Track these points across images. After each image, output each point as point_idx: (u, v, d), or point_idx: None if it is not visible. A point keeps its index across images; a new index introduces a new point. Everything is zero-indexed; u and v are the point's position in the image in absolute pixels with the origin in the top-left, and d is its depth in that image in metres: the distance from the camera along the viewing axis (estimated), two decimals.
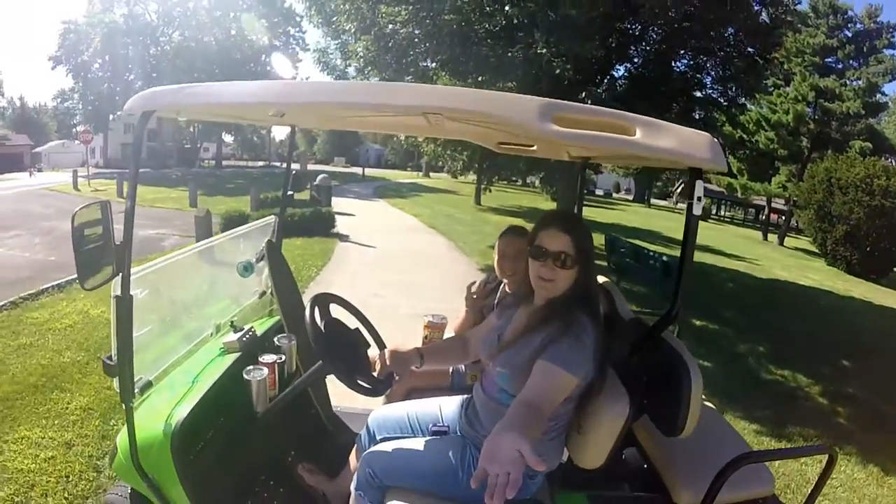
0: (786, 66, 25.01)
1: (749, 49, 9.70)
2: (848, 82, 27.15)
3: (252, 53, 44.15)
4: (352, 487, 1.97)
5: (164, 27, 42.15)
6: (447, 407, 2.16)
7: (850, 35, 27.92)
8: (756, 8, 9.49)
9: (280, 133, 68.30)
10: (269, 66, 45.06)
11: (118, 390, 1.77)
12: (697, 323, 8.07)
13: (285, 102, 1.56)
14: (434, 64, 9.44)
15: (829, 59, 28.17)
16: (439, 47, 8.42)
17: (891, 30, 27.47)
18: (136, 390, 1.84)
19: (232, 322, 2.65)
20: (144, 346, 1.95)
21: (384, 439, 2.10)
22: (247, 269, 2.68)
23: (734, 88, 10.50)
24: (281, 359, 2.34)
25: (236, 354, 2.35)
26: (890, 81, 27.64)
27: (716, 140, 1.46)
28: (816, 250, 23.39)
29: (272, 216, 3.02)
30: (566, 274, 1.71)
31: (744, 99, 11.49)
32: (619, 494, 2.15)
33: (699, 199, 1.52)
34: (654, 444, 2.22)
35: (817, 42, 27.34)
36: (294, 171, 2.99)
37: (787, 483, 3.85)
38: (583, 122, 1.34)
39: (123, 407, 1.78)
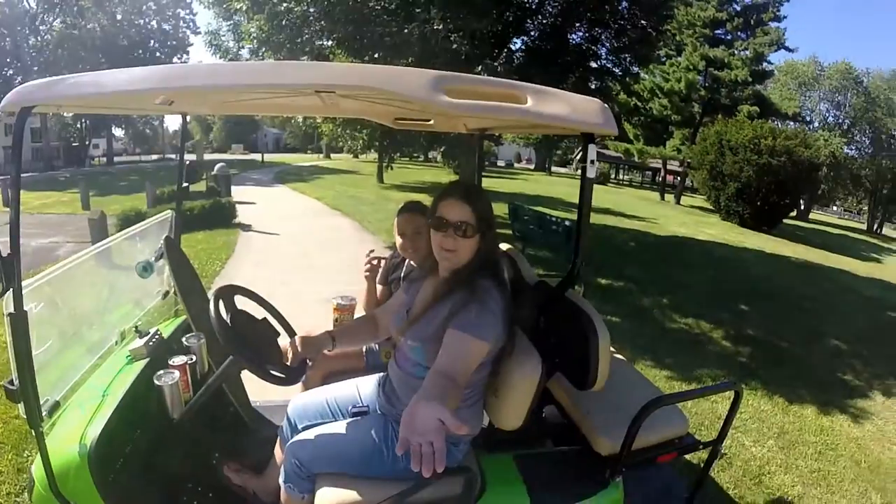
0: (678, 38, 26.42)
1: (642, 21, 10.01)
2: (736, 52, 29.19)
3: (140, 39, 41.43)
4: (280, 481, 1.94)
5: (43, 14, 38.36)
6: (364, 387, 2.16)
7: (738, 9, 29.94)
8: None
9: (174, 123, 64.93)
10: (159, 52, 42.52)
11: (24, 416, 1.65)
12: (603, 282, 8.38)
13: (173, 87, 1.46)
14: (330, 42, 9.23)
15: (719, 31, 30.16)
16: (334, 25, 8.21)
17: (777, 4, 29.74)
18: (45, 413, 1.73)
19: (136, 327, 2.52)
20: (47, 365, 1.82)
21: (306, 427, 2.07)
22: (146, 269, 2.54)
23: (628, 59, 10.88)
24: (191, 359, 2.24)
25: (145, 360, 2.24)
26: (776, 51, 30.10)
27: (606, 105, 1.50)
28: (711, 207, 24.94)
29: (168, 211, 2.88)
30: (468, 243, 1.73)
31: (638, 69, 11.94)
32: (542, 451, 2.22)
33: (592, 162, 1.57)
34: (570, 400, 2.30)
35: (707, 15, 29.09)
36: (189, 162, 2.80)
37: (700, 421, 4.10)
38: (474, 93, 1.35)
39: (33, 433, 1.66)
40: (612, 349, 1.93)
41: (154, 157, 52.96)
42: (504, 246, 2.67)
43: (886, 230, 47.70)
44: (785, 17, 30.07)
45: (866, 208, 48.78)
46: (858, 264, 16.91)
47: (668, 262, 11.10)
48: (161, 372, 2.08)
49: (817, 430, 4.45)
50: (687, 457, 3.34)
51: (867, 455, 4.18)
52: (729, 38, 30.18)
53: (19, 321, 1.53)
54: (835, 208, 61.04)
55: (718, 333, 6.63)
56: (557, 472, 2.06)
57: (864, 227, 45.18)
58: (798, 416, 4.62)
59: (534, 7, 10.13)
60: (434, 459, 1.10)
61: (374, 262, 2.83)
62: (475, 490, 1.81)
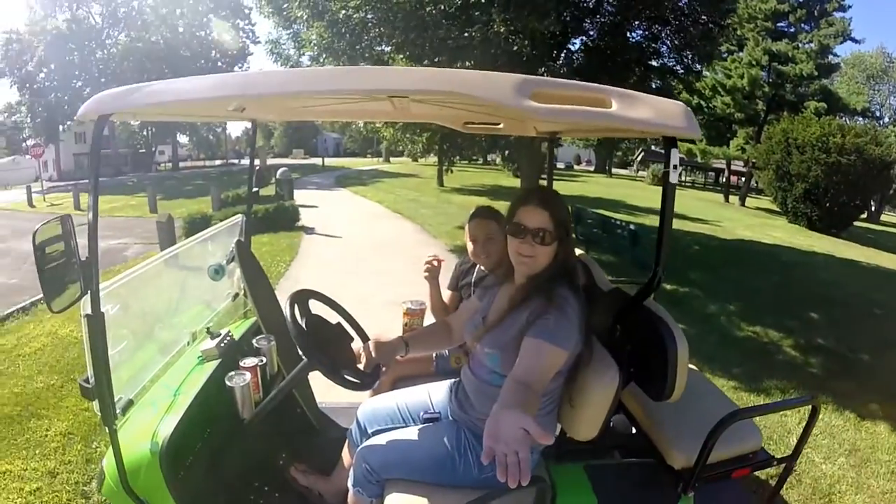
0: (739, 32, 25.53)
1: (703, 17, 9.78)
2: (800, 45, 27.94)
3: (201, 50, 43.04)
4: (349, 484, 1.95)
5: (108, 29, 40.54)
6: (436, 393, 2.15)
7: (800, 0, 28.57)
8: None
9: (236, 130, 66.94)
10: (220, 62, 44.03)
11: (98, 413, 1.70)
12: (667, 287, 8.18)
13: (248, 94, 1.49)
14: (389, 48, 9.32)
15: (781, 24, 28.94)
16: (394, 31, 8.29)
17: None
18: (118, 411, 1.78)
19: (208, 328, 2.58)
20: (121, 364, 1.88)
21: (376, 432, 2.08)
22: (218, 271, 2.61)
23: (690, 56, 10.62)
24: (262, 361, 2.28)
25: (216, 361, 2.29)
26: (841, 43, 28.70)
27: (689, 109, 1.46)
28: (777, 209, 23.99)
29: (239, 215, 2.95)
30: (546, 250, 1.71)
31: (699, 66, 11.63)
32: (614, 462, 2.17)
33: (675, 167, 1.53)
34: (642, 410, 2.25)
35: (769, 7, 27.97)
36: (257, 167, 2.90)
37: (769, 435, 3.96)
38: (560, 97, 1.32)
39: (107, 430, 1.72)
40: None
41: (218, 162, 54.96)
42: (577, 252, 2.63)
43: None
44: (850, 6, 28.67)
45: None
46: None
47: (733, 267, 10.79)
48: (233, 373, 2.13)
49: (891, 448, 4.20)
50: (757, 473, 3.24)
51: None
52: (792, 30, 28.99)
53: (96, 322, 1.58)
54: None
55: (787, 342, 6.40)
56: (629, 485, 2.03)
57: None
58: (870, 433, 4.39)
59: (591, 6, 9.99)
60: (520, 470, 1.08)
61: (435, 263, 2.83)
62: (547, 500, 1.79)
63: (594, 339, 1.81)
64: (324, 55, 9.45)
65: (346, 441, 2.27)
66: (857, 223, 23.72)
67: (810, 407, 2.14)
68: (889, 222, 38.73)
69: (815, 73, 27.22)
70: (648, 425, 2.20)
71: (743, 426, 2.12)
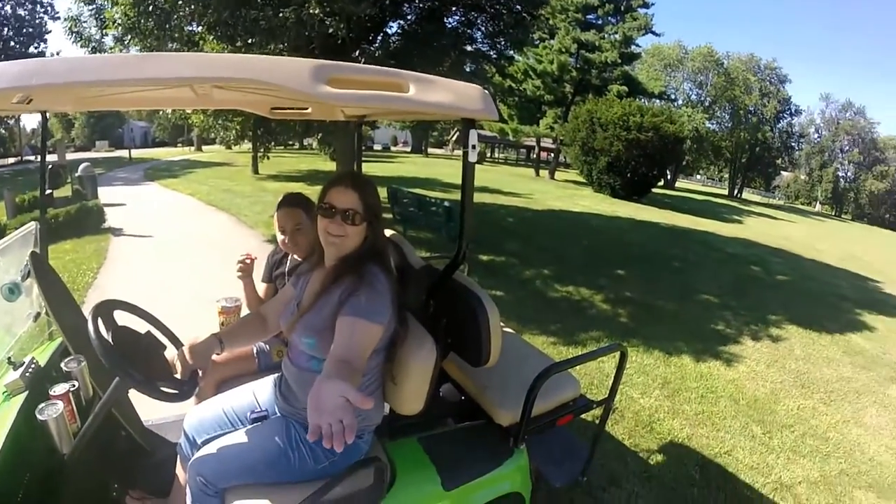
0: (551, 22, 27.42)
1: (517, 6, 10.22)
2: (606, 36, 30.72)
3: None
4: (188, 502, 1.84)
5: None
6: (261, 391, 2.10)
7: None
8: None
9: (32, 121, 58.65)
10: (13, 41, 38.13)
11: None
12: (484, 258, 8.59)
13: (35, 85, 1.30)
14: (200, 28, 8.70)
15: (591, 16, 31.70)
16: (205, 10, 7.73)
17: None
18: None
19: (9, 358, 2.24)
20: None
21: (205, 441, 1.98)
22: (12, 290, 2.27)
23: (503, 42, 11.10)
24: (74, 385, 2.05)
25: (23, 394, 2.01)
26: (644, 35, 31.89)
27: (487, 92, 1.56)
28: (584, 181, 26.38)
29: (32, 222, 2.61)
30: (355, 230, 1.74)
31: (512, 52, 12.21)
32: (446, 430, 2.25)
33: (474, 147, 1.62)
34: (466, 377, 2.38)
35: (580, 1, 30.56)
36: (50, 165, 2.52)
37: (590, 381, 4.39)
38: (357, 82, 1.35)
39: None
40: (501, 323, 2.01)
41: (11, 160, 47.59)
42: (388, 232, 2.69)
43: (746, 194, 53.37)
44: (653, 3, 31.97)
45: (727, 176, 54.01)
46: (722, 226, 18.60)
47: (546, 235, 11.54)
48: (43, 405, 1.89)
49: (697, 376, 4.90)
50: (583, 416, 3.58)
51: (744, 393, 4.69)
52: (600, 22, 31.77)
53: None
54: (699, 177, 66.77)
55: (598, 298, 7.03)
56: (463, 448, 2.11)
57: (725, 192, 50.13)
58: (678, 367, 5.06)
59: None
60: (344, 434, 1.10)
61: (247, 262, 2.73)
62: (386, 479, 1.82)
63: (409, 315, 1.86)
64: (129, 35, 8.59)
65: (178, 456, 2.14)
66: (655, 190, 26.86)
67: (619, 353, 2.41)
68: (683, 188, 44.31)
69: (619, 61, 30.17)
70: (474, 390, 2.33)
71: (561, 378, 2.34)
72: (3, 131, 51.65)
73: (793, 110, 52.16)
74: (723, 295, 7.94)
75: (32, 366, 2.14)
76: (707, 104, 48.30)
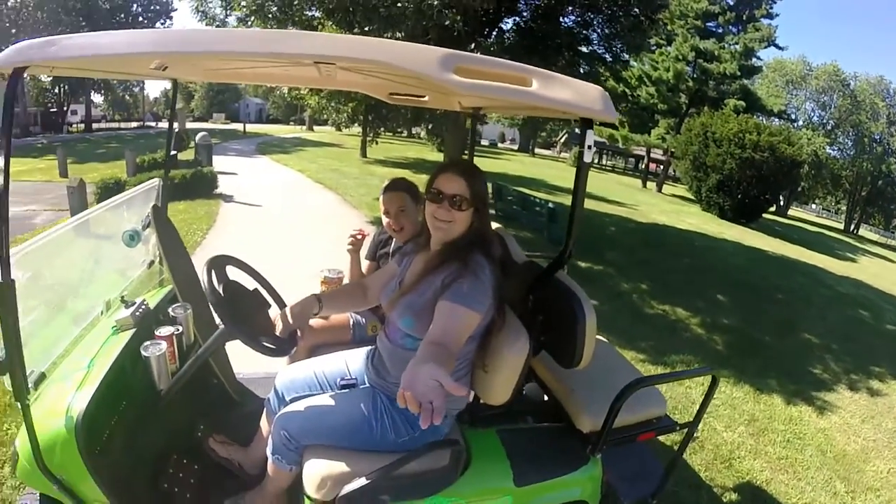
0: (669, 27, 26.41)
1: (635, 9, 9.97)
2: (726, 46, 29.11)
3: (122, 2, 40.21)
4: (268, 452, 1.95)
5: None
6: (353, 360, 2.17)
7: (731, 3, 29.91)
8: None
9: (154, 90, 63.09)
10: (141, 17, 41.36)
11: (10, 388, 1.60)
12: (583, 265, 8.46)
13: (175, 51, 1.38)
14: (320, 13, 9.05)
15: (711, 24, 30.10)
16: None
17: (770, 1, 29.73)
18: (31, 385, 1.70)
19: (122, 297, 2.48)
20: (32, 336, 1.78)
21: (293, 400, 2.08)
22: (133, 237, 2.50)
23: (619, 45, 10.82)
24: (178, 330, 2.23)
25: (131, 331, 2.19)
26: (765, 48, 29.99)
27: (607, 93, 1.53)
28: (692, 197, 25.18)
29: (155, 179, 2.84)
30: (462, 216, 1.76)
31: (628, 56, 11.89)
32: (526, 426, 2.26)
33: (590, 147, 1.59)
34: (553, 378, 2.36)
35: (700, 7, 29.13)
36: (176, 130, 2.76)
37: (674, 404, 4.22)
38: (483, 73, 1.36)
39: (19, 406, 1.62)
40: None
41: (134, 124, 51.75)
42: (494, 225, 2.69)
43: (863, 231, 48.94)
44: (777, 14, 30.36)
45: (844, 208, 49.79)
46: (833, 262, 17.22)
47: (647, 249, 11.22)
48: (148, 343, 2.07)
49: (786, 419, 4.59)
50: (662, 438, 3.46)
51: (833, 445, 4.33)
52: (720, 31, 30.16)
53: (7, 291, 1.48)
54: (814, 206, 62.16)
55: (694, 321, 6.75)
56: (540, 448, 2.11)
57: (841, 226, 46.22)
58: (768, 405, 4.76)
59: None
60: (433, 415, 1.13)
61: (359, 237, 2.86)
62: (461, 463, 1.85)
63: (507, 307, 1.87)
64: (252, 17, 9.07)
65: (265, 410, 2.26)
66: (765, 215, 25.26)
67: (710, 378, 2.30)
68: (796, 217, 41.55)
69: (738, 73, 28.53)
70: (559, 392, 2.31)
71: (649, 394, 2.29)
72: (128, 98, 55.96)
73: None
74: (826, 335, 7.36)
75: (142, 307, 2.32)
76: (829, 128, 44.55)
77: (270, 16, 8.77)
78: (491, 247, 1.85)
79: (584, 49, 10.75)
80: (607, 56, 11.12)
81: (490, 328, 1.79)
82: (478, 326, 1.71)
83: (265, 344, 1.88)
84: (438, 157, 22.92)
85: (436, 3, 7.20)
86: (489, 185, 10.15)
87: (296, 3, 8.61)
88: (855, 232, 45.82)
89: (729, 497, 3.36)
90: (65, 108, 43.64)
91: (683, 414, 4.11)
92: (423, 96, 2.59)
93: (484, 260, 1.75)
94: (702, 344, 6.02)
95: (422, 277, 1.80)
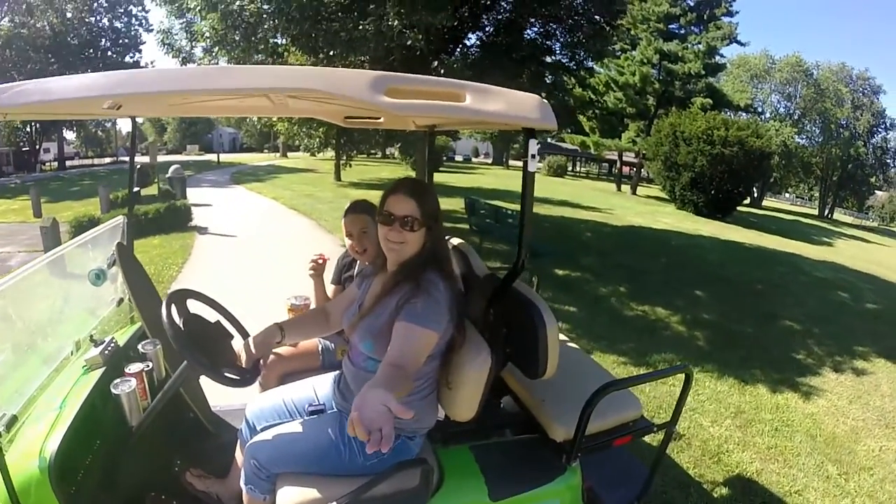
0: (632, 32, 26.89)
1: (596, 17, 10.13)
2: (690, 46, 29.73)
3: (91, 38, 39.96)
4: (241, 483, 1.95)
5: None
6: (321, 385, 2.18)
7: (691, 4, 30.61)
8: None
9: (126, 125, 61.88)
10: (111, 52, 41.14)
11: None
12: (560, 272, 8.49)
13: (118, 93, 1.44)
14: (284, 40, 9.13)
15: (673, 26, 30.78)
16: (289, 23, 8.09)
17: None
18: (2, 428, 1.71)
19: (91, 336, 2.46)
20: (2, 378, 1.81)
21: (264, 429, 2.08)
22: (99, 276, 2.49)
23: (582, 53, 10.98)
24: (148, 366, 2.22)
25: (101, 370, 2.18)
26: (728, 45, 30.73)
27: (545, 101, 1.56)
28: (666, 197, 25.55)
29: (120, 217, 2.83)
30: (414, 237, 1.77)
31: (592, 63, 12.08)
32: (498, 440, 2.26)
33: (533, 156, 1.63)
34: (524, 389, 2.36)
35: (661, 10, 29.78)
36: (139, 166, 2.74)
37: (658, 405, 4.24)
38: (415, 92, 1.39)
39: None
40: (565, 337, 1.99)
41: (107, 160, 51.33)
42: (455, 241, 2.72)
43: (837, 215, 49.86)
44: (737, 12, 30.92)
45: (817, 195, 50.65)
46: (810, 248, 17.52)
47: (624, 252, 11.29)
48: (118, 380, 2.06)
49: (773, 407, 4.63)
50: (647, 440, 3.47)
51: (822, 430, 4.37)
52: (682, 32, 30.82)
53: None
54: (787, 195, 63.24)
55: (674, 319, 6.80)
56: (514, 461, 2.10)
57: (815, 212, 47.08)
58: (753, 396, 4.80)
59: (488, 2, 10.16)
60: (381, 443, 1.14)
61: (320, 261, 2.87)
62: (432, 482, 1.84)
63: (467, 323, 1.88)
64: (217, 48, 9.10)
65: (238, 441, 2.25)
66: (740, 208, 25.63)
67: (683, 375, 2.33)
68: (770, 207, 42.14)
69: (703, 72, 29.19)
70: (531, 403, 2.31)
71: (622, 397, 2.29)
72: (101, 134, 55.66)
73: (888, 124, 48.09)
74: (806, 321, 7.47)
75: (112, 345, 2.31)
76: (796, 117, 45.48)
77: (234, 45, 8.79)
78: (446, 263, 1.86)
79: (548, 59, 10.88)
80: (571, 65, 11.26)
81: (451, 345, 1.80)
82: (437, 345, 1.73)
83: (227, 375, 1.89)
84: (412, 174, 23.10)
85: (395, 24, 7.28)
86: (462, 201, 10.21)
87: (259, 32, 8.66)
88: (829, 216, 46.84)
89: (720, 492, 3.37)
90: (37, 147, 43.09)
91: (668, 412, 4.08)
92: (379, 118, 2.62)
93: (437, 277, 1.77)
94: (683, 341, 6.06)
95: (378, 300, 1.82)
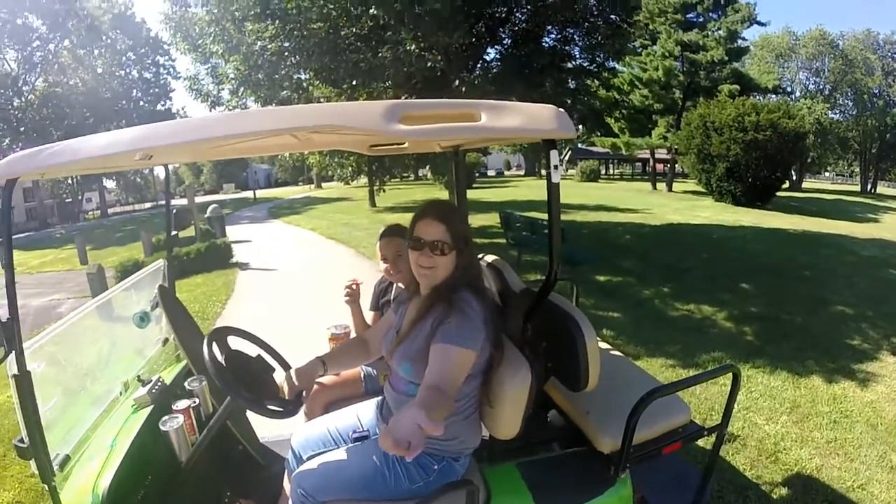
0: (651, 27, 26.62)
1: (612, 16, 10.06)
2: (710, 33, 29.25)
3: (123, 90, 41.80)
4: None
5: (25, 75, 38.23)
6: (364, 412, 2.20)
7: None
8: None
9: (163, 169, 64.84)
10: (142, 101, 42.84)
11: (36, 472, 1.70)
12: (601, 279, 8.37)
13: (142, 147, 1.52)
14: (307, 75, 9.33)
15: (691, 15, 30.32)
16: (310, 58, 8.30)
17: None
18: (56, 467, 1.77)
19: (139, 376, 2.55)
20: (55, 421, 1.88)
21: (310, 457, 2.10)
22: (143, 318, 2.59)
23: (602, 55, 10.88)
24: (195, 402, 2.28)
25: (149, 408, 2.26)
26: (748, 27, 30.22)
27: (561, 110, 1.55)
28: (703, 190, 24.93)
29: (160, 260, 2.93)
30: (444, 260, 1.78)
31: (613, 63, 11.94)
32: (545, 456, 2.23)
33: (556, 167, 1.61)
34: (570, 402, 2.32)
35: (677, 1, 29.38)
36: (175, 209, 2.86)
37: (710, 406, 4.12)
38: (429, 117, 1.41)
39: (47, 488, 1.71)
40: (608, 345, 1.95)
41: (148, 205, 53.26)
42: (489, 258, 2.71)
43: (881, 188, 47.77)
44: None
45: (858, 170, 48.83)
46: (855, 226, 16.97)
47: (665, 251, 11.10)
48: (166, 417, 2.12)
49: (829, 399, 4.44)
50: (700, 443, 3.34)
51: (882, 417, 4.18)
52: (701, 20, 30.34)
53: (24, 382, 1.59)
54: (827, 174, 61.15)
55: (721, 315, 6.63)
56: (562, 475, 2.07)
57: (857, 188, 45.29)
58: (809, 388, 4.62)
59: (503, 16, 10.18)
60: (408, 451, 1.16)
61: (353, 287, 2.89)
62: (478, 502, 1.83)
63: (505, 339, 1.87)
64: (242, 88, 9.36)
65: (285, 471, 2.28)
66: (780, 194, 24.84)
67: (731, 375, 2.26)
68: (811, 188, 40.86)
69: (726, 58, 28.70)
70: (576, 415, 2.27)
71: (669, 402, 2.22)
72: (140, 180, 57.70)
73: None
74: (858, 304, 7.18)
75: (159, 384, 2.40)
76: (827, 93, 44.09)
77: (259, 84, 9.02)
78: (478, 282, 1.86)
79: (568, 65, 10.83)
80: (592, 67, 11.17)
81: (490, 363, 1.80)
82: (475, 363, 1.73)
83: (270, 407, 1.91)
84: (445, 194, 23.20)
85: (413, 48, 7.36)
86: (497, 216, 10.13)
87: (282, 69, 8.87)
88: (873, 191, 44.86)
89: (779, 493, 3.24)
90: (80, 197, 45.07)
91: (720, 414, 3.98)
92: (403, 143, 2.65)
93: (470, 296, 1.77)
94: (731, 338, 5.89)
95: (414, 324, 1.83)
